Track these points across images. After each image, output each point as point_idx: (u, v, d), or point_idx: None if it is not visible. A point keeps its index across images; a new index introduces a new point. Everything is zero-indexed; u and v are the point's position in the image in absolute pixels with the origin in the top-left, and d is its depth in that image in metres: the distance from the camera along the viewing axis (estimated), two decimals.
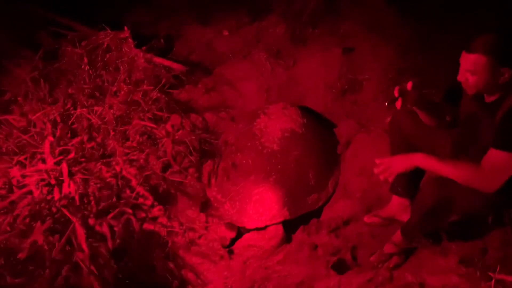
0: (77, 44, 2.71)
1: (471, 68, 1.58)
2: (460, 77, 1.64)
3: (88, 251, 1.45)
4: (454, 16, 2.90)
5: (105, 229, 1.56)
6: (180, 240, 2.08)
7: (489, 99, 1.67)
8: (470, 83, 1.61)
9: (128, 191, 2.07)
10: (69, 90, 2.36)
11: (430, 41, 2.85)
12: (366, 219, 2.25)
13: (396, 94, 1.78)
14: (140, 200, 2.13)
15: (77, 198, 1.64)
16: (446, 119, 1.94)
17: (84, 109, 2.17)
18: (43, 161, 1.78)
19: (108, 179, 1.96)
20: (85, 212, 1.64)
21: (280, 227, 2.38)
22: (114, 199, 1.87)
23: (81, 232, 1.47)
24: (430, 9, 2.99)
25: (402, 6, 3.09)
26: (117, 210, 1.75)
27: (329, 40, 3.14)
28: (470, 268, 1.69)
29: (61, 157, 1.84)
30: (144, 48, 2.88)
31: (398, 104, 1.78)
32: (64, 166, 1.71)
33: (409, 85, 1.78)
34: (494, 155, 1.56)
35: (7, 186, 1.65)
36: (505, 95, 1.59)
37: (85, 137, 2.06)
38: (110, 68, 2.66)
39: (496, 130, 1.57)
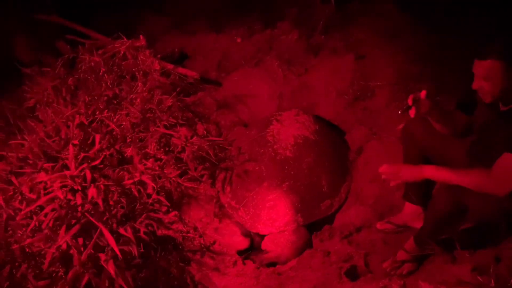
0: (94, 52, 2.80)
1: (485, 75, 1.59)
2: (475, 85, 1.66)
3: (119, 254, 1.51)
4: (467, 23, 2.93)
5: (129, 234, 1.62)
6: (195, 245, 2.14)
7: (504, 107, 1.69)
8: (485, 90, 1.63)
9: (145, 197, 2.13)
10: (87, 98, 2.45)
11: (443, 48, 2.87)
12: (378, 226, 2.28)
13: (410, 102, 1.81)
14: (156, 206, 2.19)
15: (101, 203, 1.70)
16: (460, 128, 1.97)
17: (104, 116, 2.24)
18: (66, 167, 1.85)
19: (128, 186, 2.02)
20: (108, 218, 1.70)
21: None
22: (135, 206, 1.93)
23: (109, 236, 1.53)
24: (442, 17, 3.02)
25: (415, 13, 3.13)
26: (143, 215, 1.80)
27: (341, 47, 3.19)
28: (484, 276, 1.70)
29: (83, 163, 1.91)
30: (159, 56, 2.96)
31: (412, 112, 1.82)
32: (87, 172, 1.78)
33: (422, 94, 1.81)
34: (507, 159, 1.58)
35: (33, 191, 1.72)
36: None
37: (104, 144, 2.13)
38: (127, 76, 2.74)
39: (510, 134, 1.59)
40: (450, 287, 1.64)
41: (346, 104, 2.95)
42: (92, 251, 1.53)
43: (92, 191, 1.66)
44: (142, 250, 1.70)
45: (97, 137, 1.92)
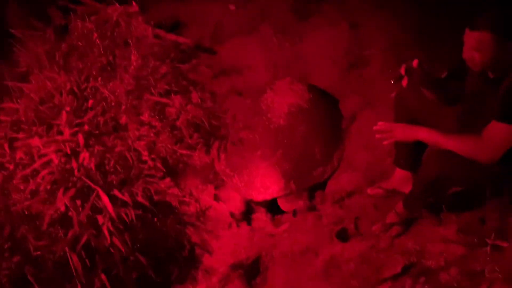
0: (87, 19, 2.74)
1: (476, 46, 1.59)
2: (465, 55, 1.66)
3: (113, 214, 1.54)
4: None
5: (126, 197, 1.65)
6: (191, 210, 2.19)
7: (493, 74, 1.71)
8: (475, 60, 1.63)
9: (140, 164, 2.15)
10: (81, 64, 2.41)
11: (436, 17, 2.85)
12: (369, 191, 2.33)
13: (402, 72, 1.82)
14: (152, 172, 2.22)
15: (93, 167, 1.71)
16: (451, 95, 1.99)
17: (98, 82, 2.22)
18: (60, 132, 1.85)
19: (122, 152, 2.03)
20: (104, 182, 1.72)
21: None
22: (131, 171, 1.95)
23: (105, 198, 1.56)
24: None
25: None
26: (140, 180, 1.83)
27: (336, 15, 3.15)
28: (468, 236, 1.77)
29: (77, 129, 1.91)
30: (152, 23, 2.90)
31: (404, 82, 1.83)
32: (80, 136, 1.78)
33: (415, 63, 1.82)
34: (495, 127, 1.61)
35: (28, 156, 1.73)
36: (509, 70, 1.62)
37: (99, 111, 2.12)
38: (120, 43, 2.69)
39: (498, 103, 1.61)
40: (435, 244, 1.71)
41: (340, 72, 2.94)
42: (90, 213, 1.56)
43: (84, 155, 1.67)
44: (139, 212, 1.73)
45: (91, 101, 1.90)
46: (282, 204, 2.49)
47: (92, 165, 1.76)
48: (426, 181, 1.83)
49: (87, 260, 1.60)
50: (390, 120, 2.24)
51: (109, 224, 1.53)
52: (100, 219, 1.56)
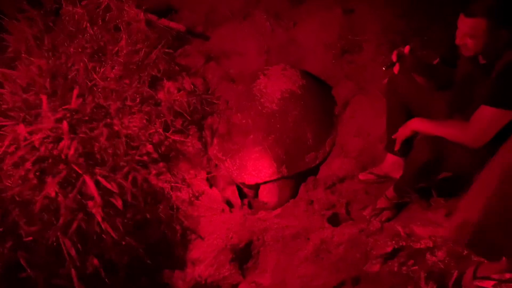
0: (78, 3, 2.69)
1: (470, 32, 1.58)
2: (458, 41, 1.65)
3: (100, 200, 1.54)
4: None
5: (114, 188, 1.64)
6: (184, 195, 2.19)
7: (484, 60, 1.70)
8: (469, 46, 1.62)
9: (131, 150, 2.14)
10: (71, 49, 2.38)
11: (430, 3, 2.83)
12: (360, 176, 2.35)
13: (394, 58, 1.82)
14: (144, 158, 2.21)
15: (72, 153, 1.68)
16: (443, 81, 1.98)
17: (87, 67, 2.19)
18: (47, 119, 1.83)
19: (112, 138, 2.02)
20: (93, 169, 1.72)
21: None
22: (120, 157, 1.94)
23: (91, 183, 1.55)
24: None
25: None
26: (132, 166, 1.82)
27: (329, 1, 3.11)
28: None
29: (61, 115, 1.88)
30: (144, 8, 2.86)
31: (396, 68, 1.83)
32: (65, 123, 1.76)
33: (406, 49, 1.82)
34: (484, 111, 1.61)
35: (15, 143, 1.71)
36: (500, 55, 1.62)
37: (89, 97, 2.10)
38: (111, 28, 2.65)
39: (488, 88, 1.61)
40: (424, 228, 1.73)
41: (333, 58, 2.92)
42: (79, 197, 1.56)
43: (66, 143, 1.66)
44: (129, 200, 1.73)
45: (76, 90, 1.88)
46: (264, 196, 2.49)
47: (72, 151, 1.74)
48: (416, 166, 1.84)
49: (79, 245, 1.60)
50: (383, 107, 2.24)
51: (99, 210, 1.52)
52: (90, 204, 1.55)
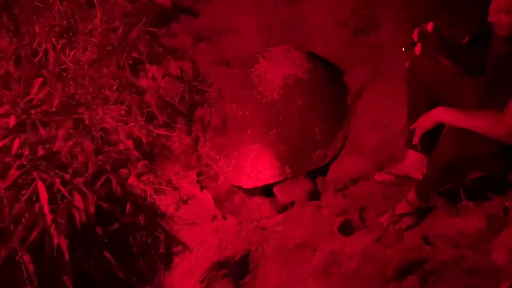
0: None
1: (505, 7, 1.59)
2: (492, 18, 1.66)
3: (47, 213, 1.55)
4: None
5: (76, 195, 1.65)
6: (169, 199, 2.20)
7: None
8: (504, 24, 1.63)
9: (108, 146, 2.15)
10: (37, 28, 2.38)
11: None
12: (377, 177, 2.36)
13: (415, 37, 1.82)
14: (124, 156, 2.22)
15: (26, 152, 1.70)
16: (473, 64, 1.98)
17: (56, 49, 2.20)
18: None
19: (85, 133, 2.03)
20: (58, 171, 1.72)
21: None
22: (93, 156, 1.95)
23: (42, 190, 1.56)
24: None
25: None
26: (107, 165, 1.83)
27: None
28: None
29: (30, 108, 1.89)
30: None
31: (418, 49, 1.83)
32: (12, 118, 1.76)
33: (429, 26, 1.81)
34: None
35: None
36: None
37: (58, 85, 2.10)
38: (83, 2, 2.65)
39: None
40: (452, 240, 1.73)
41: (345, 38, 2.91)
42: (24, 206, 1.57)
43: (16, 141, 1.67)
44: (105, 205, 1.74)
45: (38, 80, 1.88)
46: (280, 194, 2.50)
47: (25, 151, 1.75)
48: (442, 164, 1.85)
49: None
50: (403, 95, 2.25)
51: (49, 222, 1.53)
52: (48, 218, 1.55)
